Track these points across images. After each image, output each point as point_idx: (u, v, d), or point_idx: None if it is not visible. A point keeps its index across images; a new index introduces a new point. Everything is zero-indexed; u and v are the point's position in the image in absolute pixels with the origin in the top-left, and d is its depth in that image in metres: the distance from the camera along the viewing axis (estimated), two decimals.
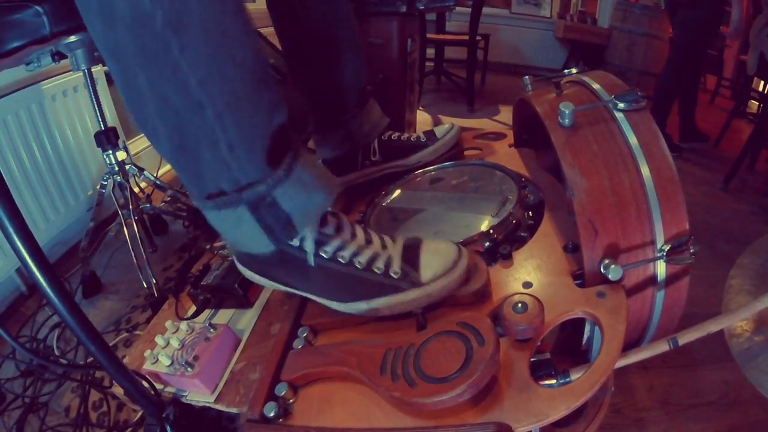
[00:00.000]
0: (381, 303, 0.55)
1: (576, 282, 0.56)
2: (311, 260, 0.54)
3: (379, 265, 0.55)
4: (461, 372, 0.44)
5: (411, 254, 0.56)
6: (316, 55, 0.83)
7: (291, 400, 0.52)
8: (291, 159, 0.50)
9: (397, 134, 0.94)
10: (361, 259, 0.55)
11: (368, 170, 0.92)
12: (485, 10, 2.88)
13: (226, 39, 0.44)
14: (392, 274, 0.54)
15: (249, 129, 0.47)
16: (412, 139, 0.93)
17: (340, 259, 0.54)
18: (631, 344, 0.62)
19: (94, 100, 1.10)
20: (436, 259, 0.55)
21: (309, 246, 0.54)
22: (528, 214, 0.73)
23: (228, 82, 0.44)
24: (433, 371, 0.46)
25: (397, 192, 0.89)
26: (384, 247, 0.57)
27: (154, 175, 1.30)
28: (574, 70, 0.71)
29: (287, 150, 0.50)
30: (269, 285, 0.61)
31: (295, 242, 0.54)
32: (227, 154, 0.46)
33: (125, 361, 0.65)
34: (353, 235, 0.56)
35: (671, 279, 0.55)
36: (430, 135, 0.94)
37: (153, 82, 0.43)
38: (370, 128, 0.90)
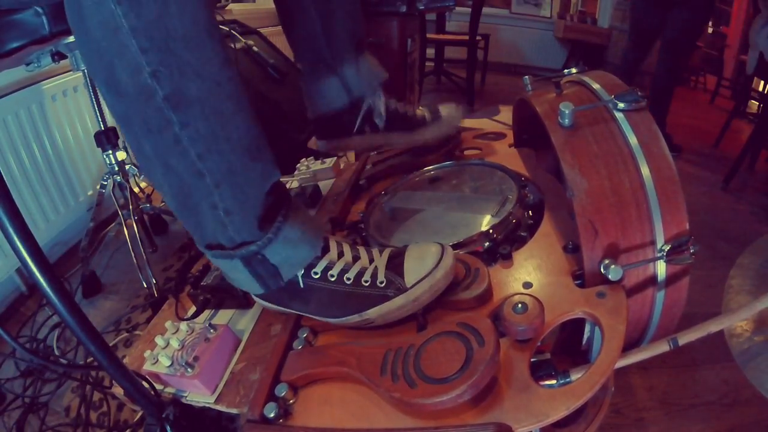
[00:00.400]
0: (372, 313, 0.56)
1: (576, 282, 0.56)
2: (302, 283, 0.58)
3: (366, 278, 0.57)
4: (461, 373, 0.44)
5: (395, 262, 0.58)
6: None
7: (291, 401, 0.52)
8: (280, 221, 0.55)
9: (402, 104, 0.91)
10: (350, 275, 0.57)
11: (371, 136, 0.89)
12: (485, 10, 2.88)
13: (222, 119, 0.48)
14: (378, 284, 0.56)
15: (243, 199, 0.52)
16: (417, 114, 0.91)
17: (330, 278, 0.57)
18: (631, 344, 0.62)
19: (94, 100, 1.10)
20: (419, 263, 0.56)
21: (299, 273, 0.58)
22: (528, 214, 0.73)
23: (224, 158, 0.49)
24: (434, 372, 0.46)
25: (397, 192, 0.89)
26: (371, 260, 0.60)
27: (146, 178, 1.29)
28: (574, 70, 0.71)
29: (278, 211, 0.55)
30: (269, 307, 0.63)
31: (283, 284, 0.58)
32: (224, 218, 0.52)
33: (125, 361, 0.65)
34: (340, 254, 0.60)
35: (671, 279, 0.55)
36: (436, 113, 0.92)
37: (157, 151, 0.47)
38: (368, 76, 0.86)
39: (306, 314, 0.61)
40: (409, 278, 0.55)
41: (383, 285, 0.56)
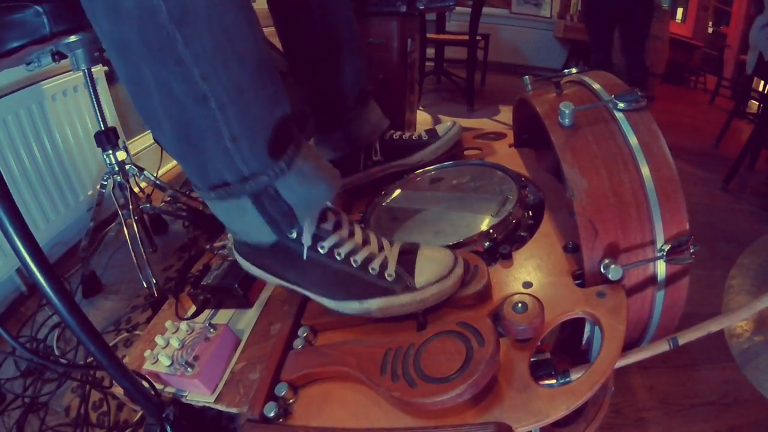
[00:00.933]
0: (373, 304, 0.55)
1: (576, 282, 0.56)
2: (307, 254, 0.54)
3: (375, 266, 0.55)
4: (461, 372, 0.44)
5: (407, 258, 0.57)
6: (317, 56, 0.83)
7: (291, 400, 0.52)
8: (293, 151, 0.51)
9: (398, 133, 0.94)
10: (357, 258, 0.55)
11: (370, 171, 0.92)
12: (485, 10, 2.88)
13: (229, 33, 0.44)
14: (387, 276, 0.55)
15: (251, 121, 0.48)
16: (413, 137, 0.93)
17: (337, 256, 0.55)
18: (631, 344, 0.62)
19: (94, 100, 1.10)
20: (431, 266, 0.55)
21: (306, 240, 0.54)
22: (528, 214, 0.73)
23: (231, 76, 0.45)
24: (434, 371, 0.46)
25: (397, 192, 0.89)
26: (381, 248, 0.58)
27: (154, 175, 1.30)
28: (574, 70, 0.71)
29: (289, 142, 0.51)
30: (267, 278, 0.61)
31: (294, 234, 0.54)
32: (230, 146, 0.47)
33: (125, 361, 0.65)
34: (351, 234, 0.57)
35: (671, 279, 0.55)
36: (432, 133, 0.94)
37: (157, 75, 0.44)
38: (370, 129, 0.90)
39: (299, 287, 0.58)
40: (420, 278, 0.54)
41: (391, 279, 0.55)
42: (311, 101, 0.88)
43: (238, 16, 0.45)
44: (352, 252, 0.55)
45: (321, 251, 0.55)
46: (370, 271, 0.55)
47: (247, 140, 0.48)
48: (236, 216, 0.53)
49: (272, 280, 0.61)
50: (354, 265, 0.55)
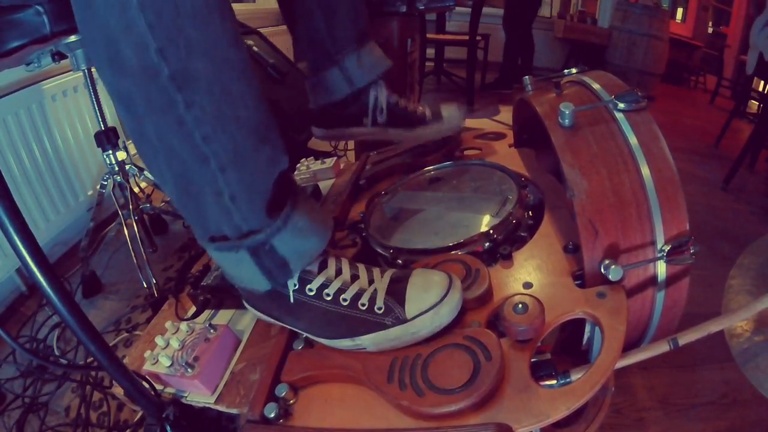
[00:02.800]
0: (366, 341, 0.53)
1: (576, 282, 0.56)
2: (295, 297, 0.55)
3: (364, 301, 0.54)
4: (470, 385, 0.45)
5: (397, 288, 0.55)
6: None
7: (291, 401, 0.52)
8: (289, 208, 0.52)
9: (404, 101, 0.90)
10: (346, 296, 0.54)
11: (370, 130, 0.89)
12: (485, 10, 2.87)
13: (230, 98, 0.45)
14: (377, 310, 0.53)
15: (250, 183, 0.49)
16: (418, 112, 0.90)
17: (325, 296, 0.55)
18: (631, 344, 0.62)
19: (94, 100, 1.10)
20: (423, 294, 0.53)
21: (291, 284, 0.55)
22: (528, 214, 0.73)
23: (231, 140, 0.46)
24: (441, 382, 0.46)
25: (397, 192, 0.89)
26: (371, 281, 0.56)
27: (146, 166, 1.29)
28: (574, 70, 0.71)
29: (286, 200, 0.53)
30: (270, 322, 0.62)
31: (287, 281, 0.56)
32: (230, 204, 0.49)
33: (125, 361, 0.65)
34: (338, 272, 0.57)
35: (671, 279, 0.55)
36: (437, 114, 0.91)
37: (160, 132, 0.45)
38: (370, 66, 0.85)
39: (297, 330, 0.59)
40: (411, 309, 0.52)
41: (381, 311, 0.53)
42: (304, 39, 0.84)
43: (238, 81, 0.46)
44: (341, 290, 0.55)
45: (310, 293, 0.55)
46: (360, 307, 0.54)
47: (245, 200, 0.49)
48: (234, 265, 0.55)
49: (273, 322, 0.61)
50: (343, 303, 0.54)
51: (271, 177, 0.51)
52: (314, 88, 0.87)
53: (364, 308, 0.54)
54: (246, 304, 0.62)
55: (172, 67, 0.41)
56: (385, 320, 0.52)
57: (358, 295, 0.54)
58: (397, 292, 0.54)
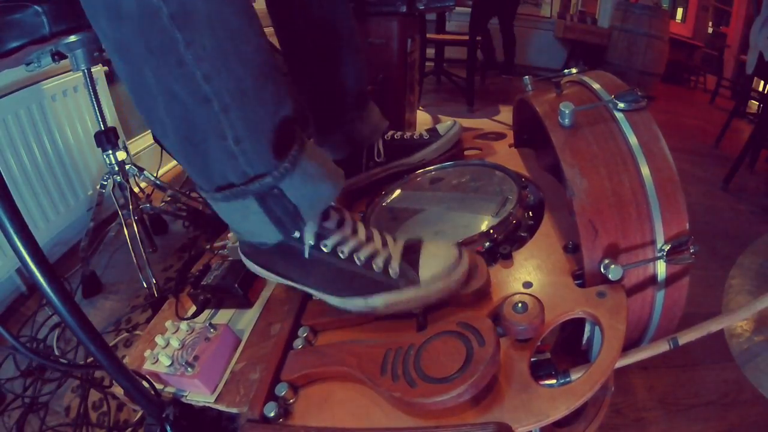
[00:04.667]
0: (378, 301, 0.55)
1: (576, 282, 0.56)
2: (310, 252, 0.54)
3: (378, 262, 0.55)
4: (462, 372, 0.44)
5: (411, 254, 0.56)
6: (316, 57, 0.82)
7: (291, 400, 0.52)
8: (297, 151, 0.51)
9: (399, 133, 0.94)
10: (361, 255, 0.55)
11: (372, 171, 0.92)
12: None
13: (231, 35, 0.44)
14: (390, 272, 0.55)
15: (255, 122, 0.48)
16: (415, 137, 0.93)
17: (340, 254, 0.55)
18: (631, 344, 0.62)
19: (94, 100, 1.10)
20: (436, 261, 0.55)
21: (309, 238, 0.55)
22: (528, 214, 0.73)
23: (233, 77, 0.45)
24: (434, 371, 0.46)
25: (397, 192, 0.89)
26: (384, 245, 0.57)
27: (154, 175, 1.30)
28: (574, 70, 0.71)
29: (293, 142, 0.51)
30: (272, 278, 0.61)
31: (298, 234, 0.54)
32: (234, 147, 0.47)
33: (125, 361, 0.65)
34: (354, 231, 0.57)
35: (671, 279, 0.55)
36: (433, 132, 0.93)
37: (159, 77, 0.43)
38: (370, 130, 0.90)
39: (302, 286, 0.58)
40: (424, 273, 0.54)
41: (396, 275, 0.54)
42: (310, 102, 0.88)
43: (239, 17, 0.45)
44: (356, 249, 0.55)
45: (324, 249, 0.55)
46: (374, 267, 0.55)
47: (251, 141, 0.48)
48: (241, 216, 0.53)
49: (277, 280, 0.61)
50: (358, 263, 0.55)
51: (276, 117, 0.49)
52: (318, 146, 0.91)
53: (378, 269, 0.55)
54: (247, 261, 0.60)
55: (173, 7, 0.40)
56: (399, 283, 0.54)
57: (372, 256, 0.55)
58: (411, 258, 0.56)
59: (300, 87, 0.87)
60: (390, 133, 0.93)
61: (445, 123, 0.96)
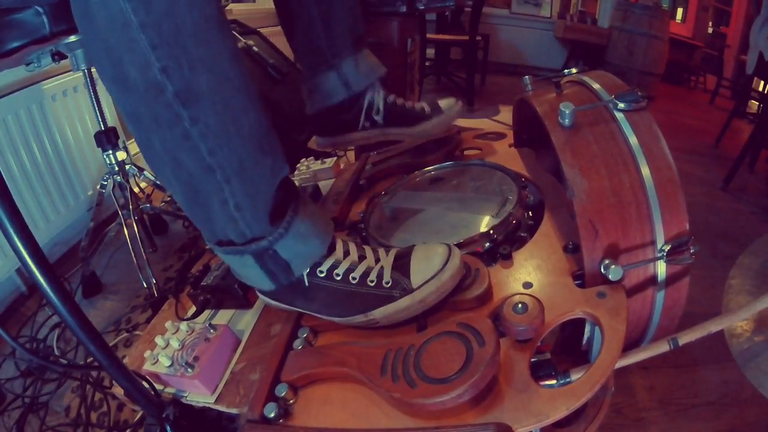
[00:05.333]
0: (377, 314, 0.56)
1: (576, 282, 0.56)
2: (307, 281, 0.58)
3: (372, 277, 0.57)
4: (462, 373, 0.44)
5: (401, 262, 0.58)
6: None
7: (291, 401, 0.52)
8: (291, 215, 0.55)
9: (401, 99, 0.91)
10: (355, 275, 0.57)
11: (371, 132, 0.89)
12: (485, 10, 2.88)
13: (232, 114, 0.48)
14: (384, 284, 0.56)
15: (254, 193, 0.52)
16: (416, 108, 0.91)
17: (335, 277, 0.57)
18: (631, 344, 0.62)
19: (94, 100, 1.10)
20: (426, 264, 0.56)
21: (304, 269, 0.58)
22: (528, 214, 0.73)
23: (235, 152, 0.49)
24: (434, 372, 0.46)
25: (397, 192, 0.89)
26: (377, 260, 0.59)
27: (154, 175, 1.29)
28: (574, 70, 0.71)
29: (288, 206, 0.55)
30: (280, 307, 0.63)
31: (287, 283, 0.58)
32: (235, 213, 0.51)
33: (125, 361, 0.65)
34: (346, 253, 0.59)
35: (671, 279, 0.55)
36: (435, 107, 0.91)
37: (166, 146, 0.47)
38: (366, 71, 0.86)
39: (310, 312, 0.60)
40: (416, 279, 0.55)
41: (389, 285, 0.56)
42: (302, 44, 0.85)
43: (239, 96, 0.48)
44: (350, 270, 0.57)
45: (320, 275, 0.57)
46: (369, 283, 0.57)
47: (250, 209, 0.52)
48: (240, 266, 0.58)
49: (285, 308, 0.63)
50: (353, 282, 0.57)
51: (273, 185, 0.53)
52: (311, 92, 0.88)
53: (372, 284, 0.56)
54: (258, 294, 0.64)
55: (176, 85, 0.43)
56: (393, 293, 0.55)
57: (366, 273, 0.57)
58: (402, 266, 0.57)
59: (291, 28, 0.84)
60: (392, 96, 0.90)
61: (448, 99, 0.93)
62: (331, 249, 0.59)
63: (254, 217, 0.52)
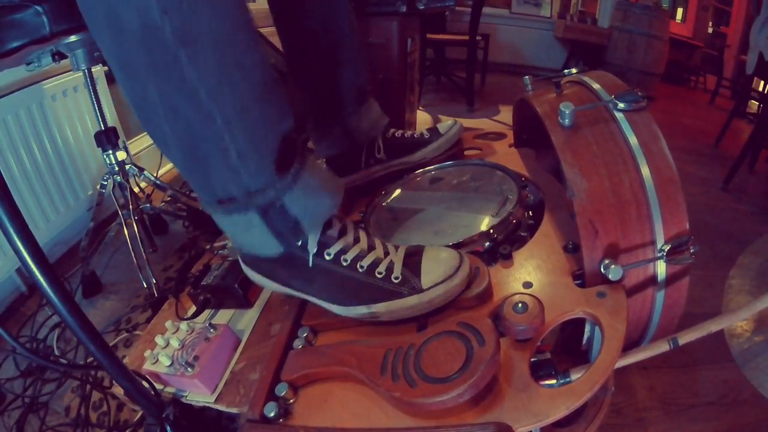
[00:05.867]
0: (381, 308, 0.55)
1: (576, 282, 0.56)
2: (313, 261, 0.55)
3: (381, 269, 0.56)
4: (462, 372, 0.44)
5: (412, 261, 0.57)
6: (317, 54, 0.83)
7: (291, 400, 0.52)
8: (298, 165, 0.52)
9: (400, 132, 0.94)
10: (363, 263, 0.56)
11: (372, 169, 0.91)
12: (485, 10, 2.88)
13: (233, 51, 0.45)
14: (393, 279, 0.55)
15: (257, 137, 0.49)
16: (415, 136, 0.93)
17: (343, 262, 0.55)
18: (631, 344, 0.62)
19: (94, 100, 1.10)
20: (437, 266, 0.55)
21: (312, 247, 0.55)
22: (528, 214, 0.73)
23: (236, 93, 0.46)
24: (434, 371, 0.46)
25: (397, 192, 0.89)
26: (386, 253, 0.58)
27: (154, 175, 1.29)
28: (574, 70, 0.71)
29: (294, 156, 0.52)
30: (273, 287, 0.61)
31: (300, 243, 0.55)
32: (237, 162, 0.48)
33: (125, 361, 0.65)
34: (357, 239, 0.58)
35: (671, 279, 0.55)
36: (434, 131, 0.93)
37: (163, 93, 0.44)
38: (370, 125, 0.89)
39: (306, 295, 0.59)
40: (426, 279, 0.55)
41: (398, 281, 0.55)
42: (310, 99, 0.88)
43: (240, 35, 0.45)
44: (358, 257, 0.56)
45: (327, 258, 0.55)
46: (377, 275, 0.55)
47: (253, 156, 0.48)
48: (243, 229, 0.54)
49: (279, 289, 0.61)
50: (360, 270, 0.55)
51: (278, 132, 0.50)
52: (317, 140, 0.91)
53: (381, 276, 0.55)
54: (248, 270, 0.61)
55: (175, 24, 0.40)
56: (402, 289, 0.54)
57: (375, 264, 0.56)
58: (412, 264, 0.56)
59: (300, 83, 0.87)
60: (391, 131, 0.93)
61: (446, 122, 0.96)
62: (343, 232, 0.57)
63: (258, 165, 0.49)
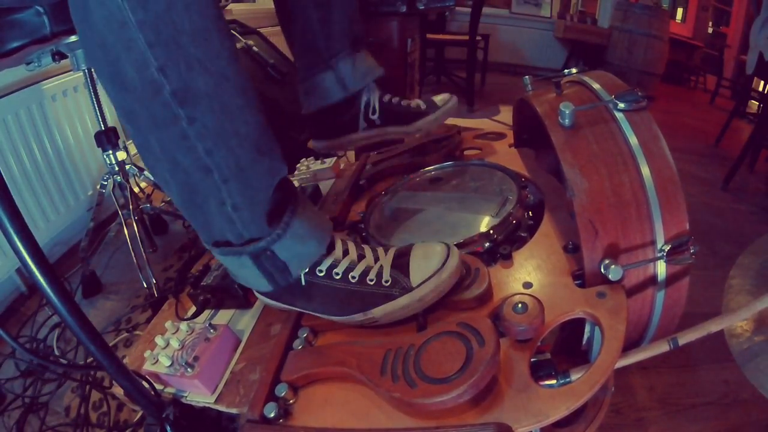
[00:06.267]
0: (377, 312, 0.56)
1: (576, 282, 0.56)
2: (305, 279, 0.57)
3: (372, 276, 0.57)
4: (462, 372, 0.44)
5: (401, 261, 0.58)
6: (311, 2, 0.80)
7: (291, 401, 0.52)
8: (289, 216, 0.55)
9: (397, 98, 0.91)
10: (355, 274, 0.57)
11: (369, 134, 0.90)
12: (485, 10, 2.88)
13: (229, 115, 0.47)
14: (384, 283, 0.56)
15: (252, 193, 0.52)
16: (412, 105, 0.91)
17: (335, 276, 0.57)
18: (631, 344, 0.62)
19: (94, 100, 1.10)
20: (425, 263, 0.56)
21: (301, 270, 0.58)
22: (528, 214, 0.73)
23: (233, 153, 0.48)
24: (434, 372, 0.46)
25: (398, 192, 0.89)
26: (376, 259, 0.59)
27: (152, 175, 1.29)
28: (574, 70, 0.71)
29: (286, 207, 0.55)
30: (272, 304, 0.63)
31: (289, 282, 0.58)
32: (232, 214, 0.51)
33: (125, 361, 0.65)
34: (345, 252, 0.59)
35: (671, 279, 0.55)
36: (431, 103, 0.92)
37: (164, 146, 0.47)
38: (363, 72, 0.86)
39: (309, 312, 0.60)
40: (415, 278, 0.55)
41: (388, 284, 0.56)
42: (300, 44, 0.85)
43: (237, 97, 0.48)
44: (349, 269, 0.57)
45: (319, 275, 0.57)
46: (368, 282, 0.57)
47: (247, 210, 0.52)
48: (237, 268, 0.58)
49: (279, 307, 0.63)
50: (353, 281, 0.57)
51: (270, 186, 0.53)
52: (307, 92, 0.88)
53: (372, 283, 0.56)
54: (257, 294, 0.64)
55: (174, 84, 0.43)
56: (393, 291, 0.55)
57: (365, 272, 0.57)
58: (401, 265, 0.57)
59: (290, 28, 0.85)
60: (387, 96, 0.90)
61: (443, 95, 0.94)
62: (331, 248, 0.59)
63: (252, 218, 0.52)
